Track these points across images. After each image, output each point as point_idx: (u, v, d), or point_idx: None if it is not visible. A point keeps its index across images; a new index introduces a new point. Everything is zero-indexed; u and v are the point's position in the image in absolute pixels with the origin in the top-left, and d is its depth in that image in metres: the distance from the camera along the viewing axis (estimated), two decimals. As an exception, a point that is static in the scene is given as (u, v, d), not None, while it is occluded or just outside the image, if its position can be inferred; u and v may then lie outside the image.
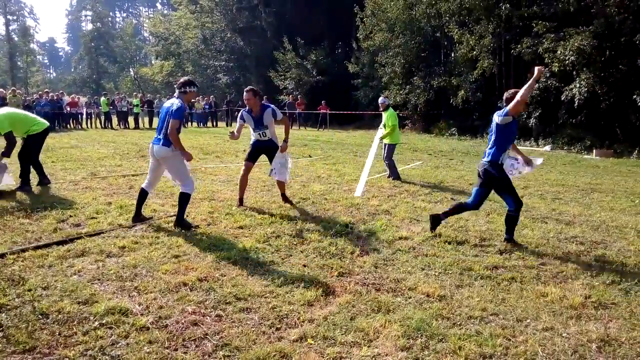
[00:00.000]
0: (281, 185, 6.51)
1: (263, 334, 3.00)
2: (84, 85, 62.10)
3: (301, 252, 4.59)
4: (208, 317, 3.19)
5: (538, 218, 6.05)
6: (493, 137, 4.82)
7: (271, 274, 3.96)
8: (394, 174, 8.64)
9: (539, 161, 5.24)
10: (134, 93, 31.00)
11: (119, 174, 8.57)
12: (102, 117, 23.71)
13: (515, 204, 4.80)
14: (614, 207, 6.88)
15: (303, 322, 3.15)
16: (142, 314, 3.18)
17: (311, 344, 2.88)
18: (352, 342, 2.92)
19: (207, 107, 26.60)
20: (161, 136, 4.97)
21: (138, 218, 5.20)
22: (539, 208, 6.64)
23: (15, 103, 17.62)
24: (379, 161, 11.43)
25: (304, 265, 4.22)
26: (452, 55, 21.58)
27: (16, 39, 62.01)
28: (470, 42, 19.63)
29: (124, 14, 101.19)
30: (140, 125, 24.22)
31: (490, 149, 4.82)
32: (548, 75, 17.27)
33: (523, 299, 3.59)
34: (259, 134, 6.23)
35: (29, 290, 3.48)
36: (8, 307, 3.22)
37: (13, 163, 7.34)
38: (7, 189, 6.76)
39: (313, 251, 4.60)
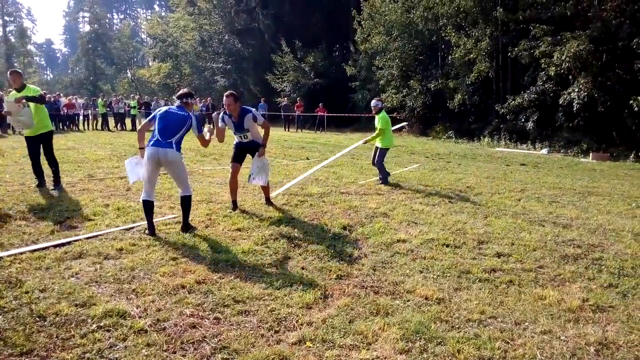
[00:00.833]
0: (265, 189, 6.55)
1: (261, 336, 2.99)
2: (81, 86, 61.98)
3: (299, 254, 4.59)
4: (206, 320, 3.18)
5: (535, 221, 6.06)
6: None
7: (269, 276, 3.96)
8: (384, 179, 8.39)
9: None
10: (132, 95, 30.96)
11: (116, 175, 8.55)
12: (100, 119, 23.66)
13: None
14: (611, 211, 6.91)
15: (302, 325, 3.15)
16: (140, 317, 3.17)
17: (310, 347, 2.88)
18: (350, 345, 2.91)
19: (204, 109, 26.59)
20: (173, 141, 4.98)
21: (152, 230, 5.04)
22: (537, 211, 6.66)
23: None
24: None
25: (302, 268, 4.22)
26: (449, 58, 21.65)
27: (13, 40, 61.94)
28: (467, 45, 19.72)
29: (122, 16, 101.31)
30: (137, 127, 24.16)
31: None
32: (545, 79, 17.36)
33: (521, 302, 3.60)
34: (240, 136, 6.23)
35: (26, 292, 3.46)
36: (5, 309, 3.21)
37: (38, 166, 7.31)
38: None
39: (311, 254, 4.60)
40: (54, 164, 7.35)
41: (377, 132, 8.48)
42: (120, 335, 2.93)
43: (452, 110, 21.41)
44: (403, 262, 4.41)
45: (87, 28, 74.23)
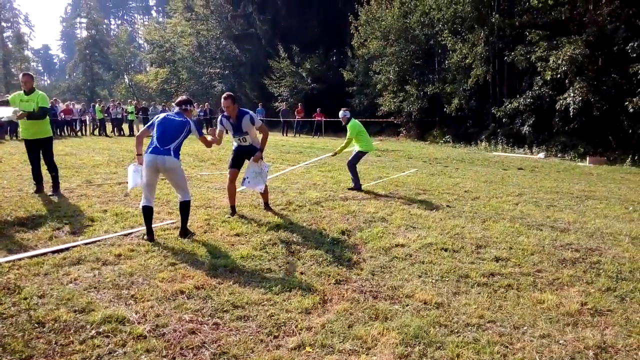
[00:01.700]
0: (264, 195, 6.58)
1: (261, 342, 2.99)
2: (78, 92, 62.00)
3: (298, 259, 4.59)
4: (205, 326, 3.17)
5: (533, 225, 6.08)
6: None
7: (268, 281, 3.96)
8: (355, 183, 8.18)
9: None
10: (129, 100, 30.96)
11: (114, 181, 8.54)
12: (98, 124, 23.66)
13: None
14: (608, 214, 6.93)
15: (301, 330, 3.15)
16: (139, 323, 3.16)
17: (309, 352, 2.88)
18: (350, 350, 2.91)
19: (202, 114, 26.58)
20: (171, 148, 4.99)
21: (152, 236, 5.03)
22: (534, 215, 6.68)
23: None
24: (375, 169, 11.48)
25: (301, 273, 4.22)
26: (446, 63, 21.75)
27: (10, 45, 61.86)
28: (464, 50, 19.81)
29: (119, 21, 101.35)
30: (135, 132, 24.15)
31: None
32: (541, 83, 17.44)
33: (520, 306, 3.60)
34: (239, 139, 6.25)
35: (25, 298, 3.46)
36: (4, 315, 3.20)
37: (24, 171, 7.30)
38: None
39: (310, 258, 4.60)
40: (53, 169, 7.36)
41: (345, 141, 8.33)
42: (119, 341, 2.92)
43: (449, 114, 21.50)
44: (402, 267, 4.42)
45: (84, 34, 74.24)
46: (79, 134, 23.36)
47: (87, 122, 24.62)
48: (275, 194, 7.47)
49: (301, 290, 3.78)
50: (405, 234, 5.53)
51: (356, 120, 8.52)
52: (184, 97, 5.58)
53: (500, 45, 19.55)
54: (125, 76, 66.86)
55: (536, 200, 7.81)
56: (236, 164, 6.37)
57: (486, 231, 5.70)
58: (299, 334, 3.09)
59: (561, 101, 16.30)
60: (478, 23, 19.65)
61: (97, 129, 23.52)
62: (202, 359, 2.78)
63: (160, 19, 64.28)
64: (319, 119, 24.97)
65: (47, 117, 7.37)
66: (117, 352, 2.81)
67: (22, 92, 7.18)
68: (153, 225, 5.13)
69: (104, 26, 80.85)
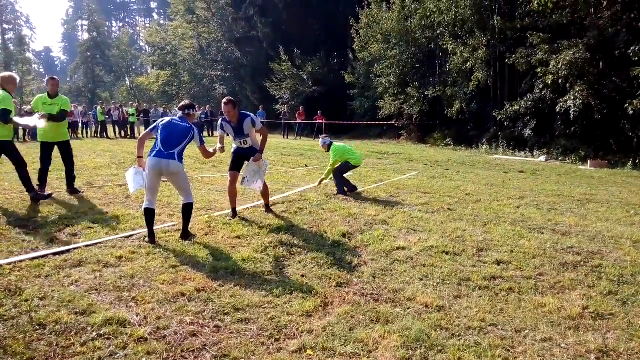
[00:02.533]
0: (264, 196, 6.59)
1: (262, 344, 2.99)
2: (80, 94, 62.05)
3: (299, 262, 4.59)
4: (206, 328, 3.17)
5: (534, 228, 6.07)
6: None
7: (269, 284, 3.96)
8: (339, 189, 8.07)
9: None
10: (130, 102, 31.00)
11: (115, 183, 8.55)
12: (99, 126, 23.73)
13: None
14: (610, 218, 6.92)
15: (302, 332, 3.14)
16: (140, 325, 3.16)
17: (310, 355, 2.88)
18: (351, 353, 2.91)
19: (203, 116, 26.61)
20: (175, 152, 5.01)
21: (153, 238, 5.01)
22: (536, 218, 6.67)
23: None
24: (376, 172, 11.48)
25: (302, 276, 4.22)
26: (447, 66, 21.77)
27: (12, 47, 61.98)
28: (465, 54, 19.82)
29: (120, 24, 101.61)
30: (136, 134, 24.18)
31: None
32: (542, 86, 17.46)
33: (521, 309, 3.60)
34: (240, 142, 6.26)
35: (26, 300, 3.45)
36: (5, 317, 3.20)
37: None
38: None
39: (311, 261, 4.60)
40: (73, 168, 7.60)
41: (329, 168, 8.22)
42: (120, 343, 2.92)
43: (450, 117, 21.51)
44: (403, 270, 4.41)
45: (85, 36, 74.52)
46: (81, 135, 23.39)
47: (89, 124, 24.68)
48: (275, 196, 7.46)
49: (302, 293, 3.77)
50: (406, 236, 5.52)
51: (338, 143, 8.48)
52: (187, 101, 5.61)
53: (501, 49, 19.57)
54: (126, 78, 67.02)
55: (537, 204, 7.80)
56: (236, 166, 6.37)
57: (487, 234, 5.69)
58: (300, 336, 3.08)
59: (562, 104, 16.30)
60: (479, 26, 19.68)
61: (99, 131, 23.57)
62: (203, 362, 2.77)
63: (162, 22, 64.21)
64: (320, 121, 25.00)
65: (66, 121, 7.52)
66: (118, 355, 2.80)
67: (44, 95, 7.34)
68: (154, 228, 5.13)
69: (106, 29, 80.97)
